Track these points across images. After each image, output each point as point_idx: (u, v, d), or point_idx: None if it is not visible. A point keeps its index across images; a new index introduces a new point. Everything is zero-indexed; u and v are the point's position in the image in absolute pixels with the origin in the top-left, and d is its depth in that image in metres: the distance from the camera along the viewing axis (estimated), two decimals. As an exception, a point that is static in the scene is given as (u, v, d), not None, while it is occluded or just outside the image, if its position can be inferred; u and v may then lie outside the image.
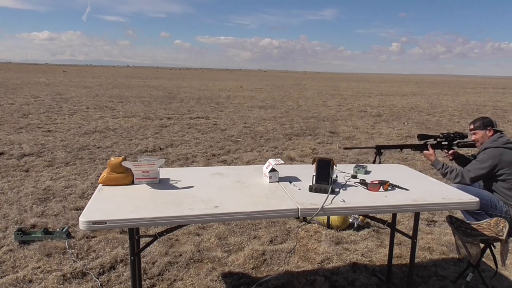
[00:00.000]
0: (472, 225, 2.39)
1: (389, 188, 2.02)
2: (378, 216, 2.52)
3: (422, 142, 3.32)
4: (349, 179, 2.18)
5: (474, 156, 3.26)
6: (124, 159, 1.95)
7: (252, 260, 2.79)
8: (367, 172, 2.32)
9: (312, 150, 6.62)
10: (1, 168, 4.91)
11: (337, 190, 1.97)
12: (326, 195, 1.86)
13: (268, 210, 1.72)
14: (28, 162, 5.21)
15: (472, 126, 3.31)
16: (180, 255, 2.85)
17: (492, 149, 3.10)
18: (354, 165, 2.41)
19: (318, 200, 1.82)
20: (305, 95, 19.65)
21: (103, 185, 1.94)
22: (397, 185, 2.06)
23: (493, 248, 2.44)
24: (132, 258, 1.84)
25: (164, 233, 1.84)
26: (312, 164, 2.13)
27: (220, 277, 2.57)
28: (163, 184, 2.00)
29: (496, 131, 3.21)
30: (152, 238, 1.85)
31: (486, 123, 3.23)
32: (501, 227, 2.33)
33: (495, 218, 2.41)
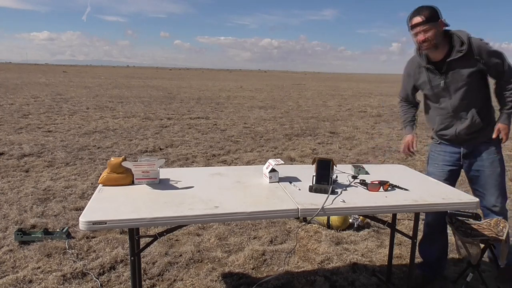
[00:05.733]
0: (472, 225, 2.39)
1: (389, 188, 2.02)
2: (378, 216, 2.52)
3: None
4: (349, 179, 2.18)
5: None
6: (124, 160, 1.95)
7: (252, 260, 2.79)
8: (367, 173, 2.32)
9: (312, 151, 6.62)
10: (1, 168, 4.91)
11: (337, 190, 1.97)
12: (326, 195, 1.86)
13: (268, 210, 1.71)
14: (28, 162, 5.21)
15: (421, 19, 2.20)
16: (180, 255, 2.85)
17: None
18: (354, 165, 2.41)
19: (318, 200, 1.82)
20: (305, 95, 19.65)
21: (103, 186, 1.94)
22: (397, 185, 2.06)
23: (493, 248, 2.44)
24: (132, 258, 1.84)
25: (164, 233, 1.84)
26: (312, 164, 2.13)
27: (220, 278, 2.57)
28: (163, 184, 2.00)
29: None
30: (152, 238, 1.85)
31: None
32: (501, 227, 2.33)
33: (495, 218, 2.41)
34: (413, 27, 2.22)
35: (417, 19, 2.19)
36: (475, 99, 2.30)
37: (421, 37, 2.19)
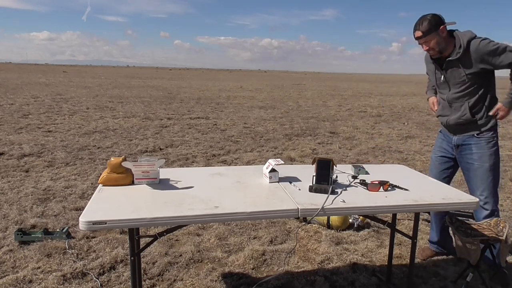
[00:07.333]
0: (472, 225, 2.39)
1: (389, 188, 2.02)
2: (378, 216, 2.52)
3: None
4: (349, 179, 2.18)
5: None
6: (124, 160, 1.95)
7: (252, 260, 2.79)
8: (367, 173, 2.32)
9: (312, 151, 6.62)
10: (1, 168, 4.91)
11: (337, 190, 1.97)
12: (326, 195, 1.86)
13: (268, 210, 1.72)
14: (28, 162, 5.21)
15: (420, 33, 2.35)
16: (180, 255, 2.85)
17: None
18: (354, 165, 2.41)
19: (318, 200, 1.82)
20: (305, 95, 19.66)
21: (103, 186, 1.94)
22: (397, 185, 2.06)
23: (493, 248, 2.44)
24: (132, 258, 1.84)
25: (164, 233, 1.84)
26: (312, 164, 2.13)
27: (220, 278, 2.57)
28: (163, 184, 2.00)
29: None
30: (152, 238, 1.85)
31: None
32: (501, 227, 2.33)
33: (495, 219, 2.42)
34: (416, 39, 2.41)
35: (416, 34, 2.38)
36: (472, 95, 2.44)
37: (424, 47, 2.43)
